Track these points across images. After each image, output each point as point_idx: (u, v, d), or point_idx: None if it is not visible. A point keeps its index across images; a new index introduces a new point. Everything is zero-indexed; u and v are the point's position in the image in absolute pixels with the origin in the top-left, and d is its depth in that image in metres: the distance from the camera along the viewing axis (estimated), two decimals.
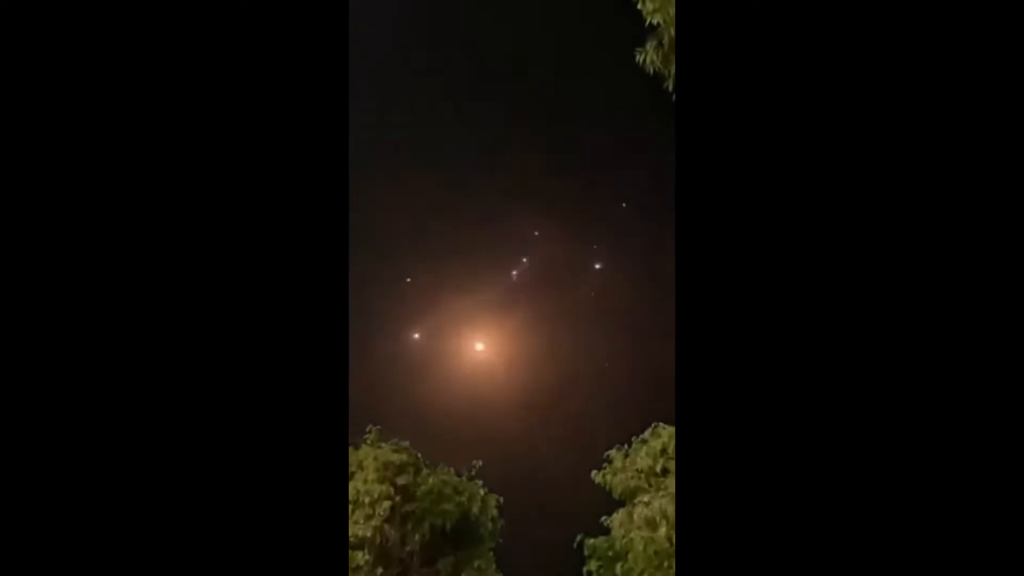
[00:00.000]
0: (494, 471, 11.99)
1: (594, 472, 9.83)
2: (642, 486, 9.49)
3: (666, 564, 8.52)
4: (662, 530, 8.79)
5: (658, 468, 9.48)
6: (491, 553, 11.82)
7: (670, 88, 6.38)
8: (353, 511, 10.70)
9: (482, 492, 11.59)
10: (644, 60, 6.42)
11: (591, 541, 9.04)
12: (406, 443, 11.57)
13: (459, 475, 11.66)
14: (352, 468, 10.90)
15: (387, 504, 10.90)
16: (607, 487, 9.71)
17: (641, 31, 6.36)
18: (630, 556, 8.70)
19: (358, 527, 10.68)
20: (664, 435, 9.61)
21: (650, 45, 6.38)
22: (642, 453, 9.64)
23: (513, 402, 18.87)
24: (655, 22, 6.21)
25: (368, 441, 11.43)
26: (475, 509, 11.42)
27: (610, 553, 8.90)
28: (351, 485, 10.70)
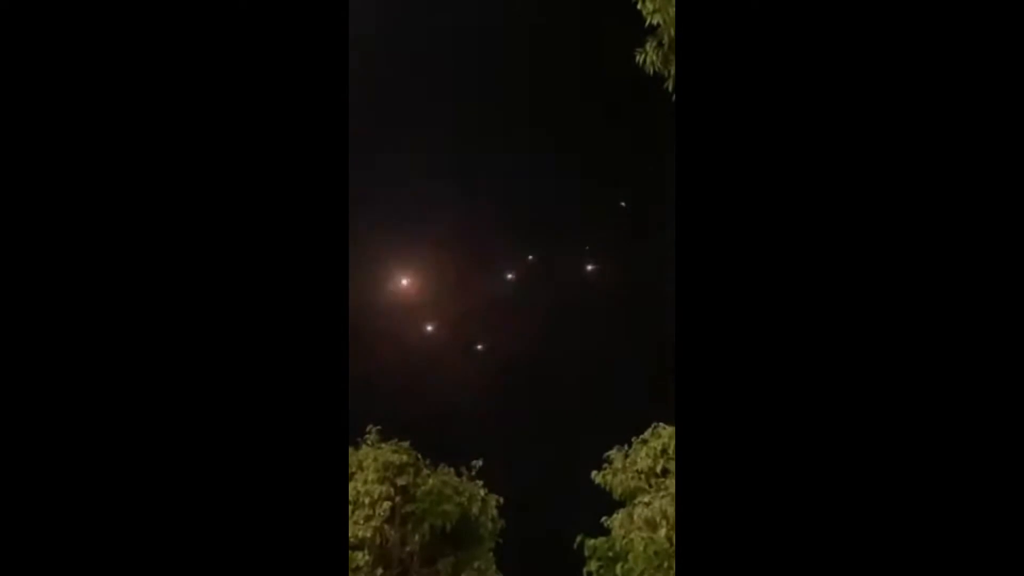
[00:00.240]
0: (494, 471, 11.99)
1: (594, 472, 9.84)
2: (642, 486, 9.50)
3: (666, 565, 8.53)
4: (662, 531, 8.80)
5: (658, 468, 9.50)
6: (491, 553, 11.83)
7: (670, 88, 6.38)
8: (353, 511, 10.71)
9: (482, 492, 11.60)
10: (644, 60, 6.43)
11: (591, 541, 9.05)
12: (406, 443, 11.57)
13: (459, 475, 11.67)
14: (352, 468, 10.90)
15: (387, 504, 10.91)
16: (607, 487, 9.72)
17: (641, 31, 6.36)
18: (630, 557, 8.71)
19: (358, 527, 10.69)
20: (664, 435, 9.62)
21: (650, 45, 6.38)
22: (642, 453, 9.65)
23: (513, 402, 18.87)
24: (655, 22, 6.21)
25: (368, 441, 11.44)
26: (475, 509, 11.43)
27: (610, 554, 8.90)
28: (351, 485, 10.71)
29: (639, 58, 6.47)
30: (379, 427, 11.53)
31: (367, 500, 10.86)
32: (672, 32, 6.13)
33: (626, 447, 9.90)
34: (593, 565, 8.95)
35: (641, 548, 8.65)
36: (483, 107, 19.09)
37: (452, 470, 11.69)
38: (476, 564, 11.59)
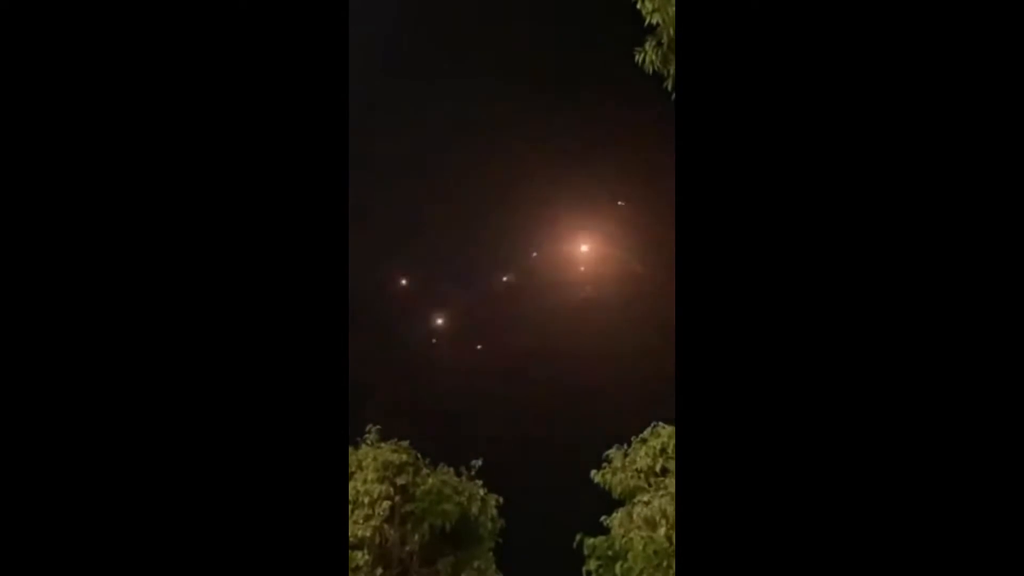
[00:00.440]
0: (493, 471, 11.98)
1: (593, 472, 9.84)
2: (642, 486, 9.50)
3: (665, 564, 8.53)
4: (661, 530, 8.80)
5: (658, 468, 9.50)
6: (491, 553, 11.82)
7: (669, 88, 6.38)
8: (353, 511, 10.71)
9: (482, 492, 11.60)
10: (643, 60, 6.43)
11: (591, 541, 9.05)
12: (405, 443, 11.57)
13: (459, 475, 11.66)
14: (352, 468, 10.90)
15: (387, 504, 10.91)
16: (607, 487, 9.72)
17: (640, 31, 6.36)
18: (630, 556, 8.71)
19: (358, 527, 10.68)
20: (664, 434, 9.62)
21: (649, 45, 6.38)
22: (642, 453, 9.65)
23: (512, 402, 18.86)
24: (654, 22, 6.21)
25: (368, 441, 11.44)
26: (475, 509, 11.42)
27: (610, 553, 8.91)
28: (350, 485, 10.70)
29: (638, 57, 6.47)
30: (379, 426, 11.53)
31: (366, 500, 10.85)
32: (671, 32, 6.13)
33: (625, 446, 9.90)
34: (592, 564, 8.95)
35: (640, 547, 8.65)
36: (482, 105, 19.08)
37: (452, 470, 11.69)
38: (476, 564, 11.59)
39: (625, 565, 8.70)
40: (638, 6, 6.25)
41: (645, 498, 9.23)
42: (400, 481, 11.12)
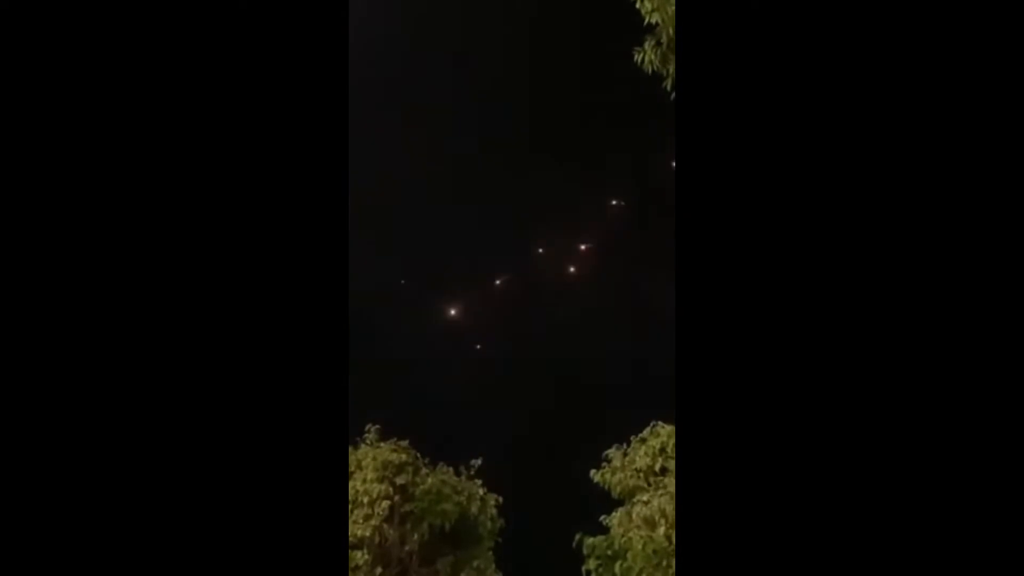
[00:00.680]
0: (493, 471, 11.98)
1: (593, 471, 9.84)
2: (641, 485, 9.50)
3: (665, 563, 8.53)
4: (661, 529, 8.79)
5: (657, 467, 9.49)
6: (490, 552, 11.81)
7: (668, 88, 6.38)
8: (352, 511, 10.69)
9: (481, 492, 11.59)
10: (642, 60, 6.42)
11: (590, 540, 9.03)
12: (405, 442, 11.56)
13: (458, 475, 11.65)
14: (351, 468, 10.89)
15: (386, 504, 10.90)
16: (606, 486, 9.71)
17: (639, 30, 6.36)
18: (629, 555, 8.70)
19: (357, 527, 10.67)
20: (663, 434, 9.62)
21: (648, 44, 6.37)
22: (641, 452, 9.64)
23: (512, 401, 18.86)
24: (653, 21, 6.20)
25: (367, 441, 11.43)
26: (474, 509, 11.41)
27: (609, 552, 8.89)
28: (350, 485, 10.69)
29: (637, 57, 6.46)
30: (378, 426, 11.52)
31: (366, 499, 10.84)
32: (670, 31, 6.12)
33: (625, 446, 9.90)
34: (592, 564, 8.94)
35: (640, 547, 8.65)
36: (482, 106, 19.08)
37: (451, 469, 11.68)
38: (475, 563, 11.58)
39: (624, 564, 8.69)
40: (637, 5, 6.24)
41: (644, 498, 9.23)
42: (399, 481, 11.11)
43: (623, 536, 8.92)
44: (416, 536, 11.06)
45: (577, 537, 9.13)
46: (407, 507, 11.08)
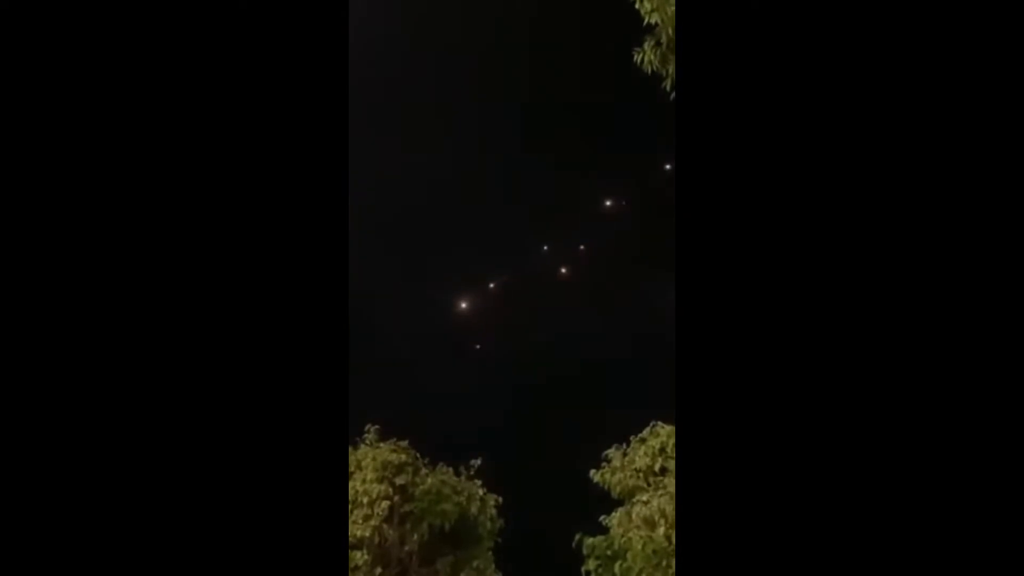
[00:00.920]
0: (492, 471, 11.99)
1: (593, 471, 9.85)
2: (641, 485, 9.51)
3: (664, 563, 8.54)
4: (660, 529, 8.80)
5: (656, 467, 9.50)
6: (490, 553, 11.82)
7: (668, 88, 6.38)
8: (352, 511, 10.70)
9: (480, 492, 11.60)
10: (642, 60, 6.42)
11: (589, 540, 9.04)
12: (404, 443, 11.57)
13: (458, 475, 11.66)
14: (351, 468, 10.89)
15: (386, 504, 10.91)
16: (606, 486, 9.72)
17: (639, 30, 6.35)
18: (628, 555, 8.71)
19: (357, 527, 10.68)
20: (663, 434, 9.63)
21: (648, 45, 6.37)
22: (641, 452, 9.65)
23: (511, 401, 18.87)
24: (653, 21, 6.20)
25: (367, 441, 11.43)
26: (473, 509, 11.42)
27: (608, 552, 8.90)
28: (349, 485, 10.70)
29: (637, 57, 6.46)
30: (377, 426, 11.53)
31: (365, 499, 10.85)
32: (670, 31, 6.12)
33: (624, 446, 9.90)
34: (591, 564, 8.95)
35: (639, 547, 8.65)
36: (482, 106, 19.08)
37: (451, 469, 11.69)
38: (475, 563, 11.59)
39: (624, 565, 8.70)
40: (636, 5, 6.24)
41: (644, 498, 9.24)
42: (399, 481, 11.12)
43: (623, 536, 8.93)
44: (416, 536, 11.07)
45: (577, 537, 9.13)
46: (407, 507, 11.09)
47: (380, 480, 11.00)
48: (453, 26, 18.47)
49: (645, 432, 9.83)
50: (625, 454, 9.80)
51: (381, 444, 11.40)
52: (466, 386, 18.86)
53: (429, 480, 11.29)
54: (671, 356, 2.73)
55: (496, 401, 18.65)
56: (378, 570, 10.88)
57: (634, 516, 9.12)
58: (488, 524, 11.63)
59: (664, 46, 6.27)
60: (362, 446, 11.33)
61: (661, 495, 9.08)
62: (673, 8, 5.95)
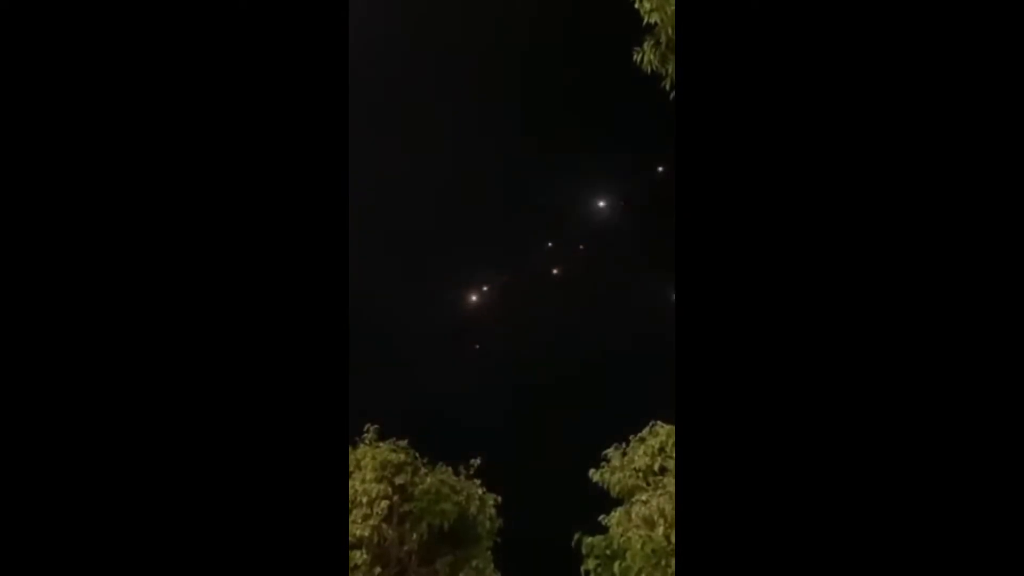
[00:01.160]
0: (492, 470, 11.99)
1: (592, 471, 9.85)
2: (640, 485, 9.51)
3: (664, 563, 8.54)
4: (660, 529, 8.80)
5: (656, 467, 9.50)
6: (489, 552, 11.83)
7: (668, 87, 6.38)
8: (351, 510, 10.70)
9: (480, 491, 11.60)
10: (642, 60, 6.42)
11: (589, 540, 9.05)
12: (404, 442, 11.57)
13: (457, 474, 11.66)
14: (350, 467, 10.89)
15: (385, 504, 10.90)
16: (605, 486, 9.72)
17: (639, 30, 6.35)
18: (628, 555, 8.71)
19: (356, 526, 10.68)
20: (662, 433, 9.63)
21: (647, 44, 6.37)
22: (640, 452, 9.65)
23: (511, 401, 18.87)
24: (652, 21, 6.20)
25: (366, 440, 11.43)
26: (473, 508, 11.43)
27: (608, 552, 8.91)
28: (349, 485, 10.70)
29: (637, 57, 6.46)
30: (377, 426, 11.53)
31: (365, 499, 10.85)
32: (669, 31, 6.12)
33: (624, 445, 9.91)
34: (591, 563, 8.95)
35: (639, 546, 8.66)
36: (482, 106, 19.08)
37: (450, 469, 11.69)
38: (474, 563, 11.59)
39: (623, 564, 8.70)
40: (636, 5, 6.24)
41: (643, 497, 9.24)
42: (398, 480, 11.12)
43: (622, 536, 8.93)
44: (415, 536, 11.07)
45: (576, 537, 9.14)
46: (406, 507, 11.09)
47: (379, 480, 11.00)
48: (453, 26, 18.46)
49: (644, 432, 9.83)
50: (624, 454, 9.81)
51: (380, 444, 11.40)
52: (466, 386, 18.86)
53: (428, 480, 11.30)
54: (671, 356, 2.73)
55: (496, 401, 18.65)
56: (377, 569, 10.88)
57: (633, 516, 9.12)
58: (487, 524, 11.64)
59: (664, 46, 6.26)
60: (361, 445, 11.33)
61: (660, 495, 9.08)
62: (673, 8, 5.95)
